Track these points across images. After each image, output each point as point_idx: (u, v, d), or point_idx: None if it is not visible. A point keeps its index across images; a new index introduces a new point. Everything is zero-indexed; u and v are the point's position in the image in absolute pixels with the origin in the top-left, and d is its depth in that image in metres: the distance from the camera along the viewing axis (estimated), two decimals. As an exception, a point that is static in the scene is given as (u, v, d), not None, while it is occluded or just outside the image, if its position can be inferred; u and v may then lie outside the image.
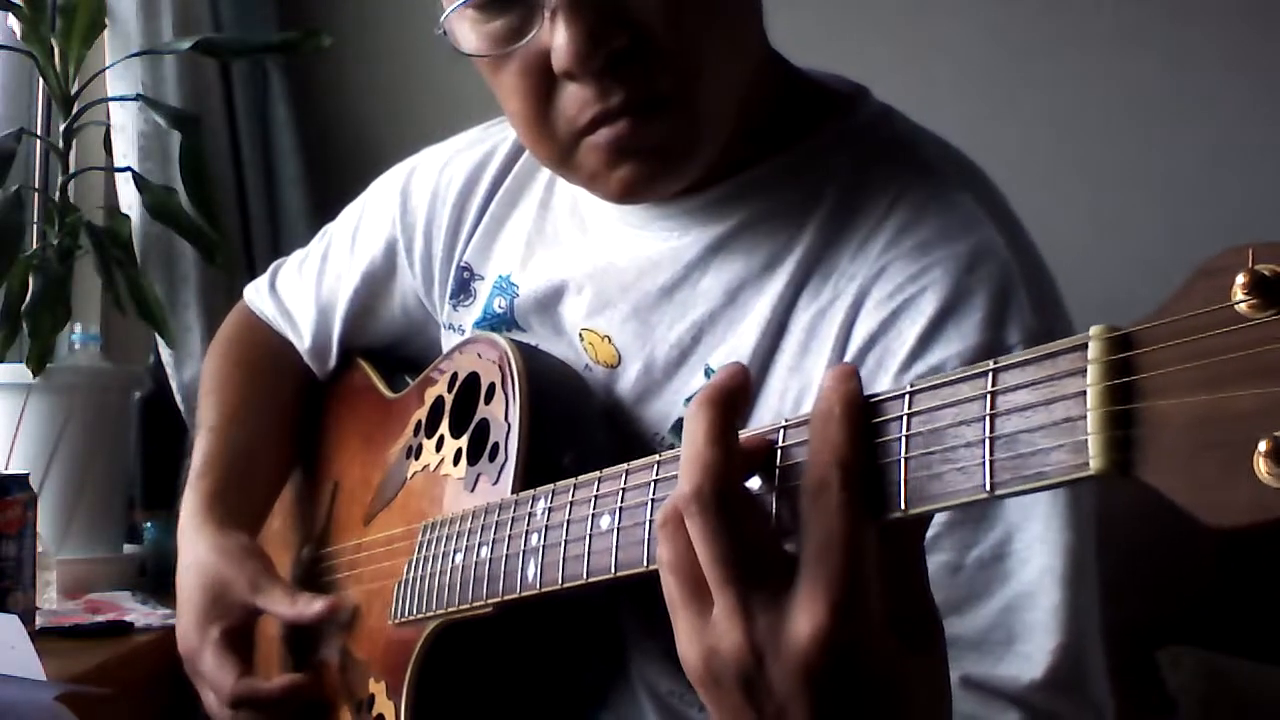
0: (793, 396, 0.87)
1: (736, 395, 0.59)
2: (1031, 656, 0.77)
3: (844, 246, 0.88)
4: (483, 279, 1.07)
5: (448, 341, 1.10)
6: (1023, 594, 0.78)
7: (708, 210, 0.93)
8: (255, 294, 1.31)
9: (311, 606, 1.01)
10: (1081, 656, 0.79)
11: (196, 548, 1.10)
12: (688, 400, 0.91)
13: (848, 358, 0.84)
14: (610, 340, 0.96)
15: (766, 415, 0.88)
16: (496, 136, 1.10)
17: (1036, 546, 0.79)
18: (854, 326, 0.85)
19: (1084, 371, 0.48)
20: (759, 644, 0.56)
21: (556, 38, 0.81)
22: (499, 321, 1.04)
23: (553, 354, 0.97)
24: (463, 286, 1.08)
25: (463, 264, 1.08)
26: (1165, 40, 2.13)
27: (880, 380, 0.82)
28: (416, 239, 1.12)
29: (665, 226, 0.95)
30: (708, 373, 0.91)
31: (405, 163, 1.17)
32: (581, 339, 0.98)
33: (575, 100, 0.83)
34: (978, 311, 0.82)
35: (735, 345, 0.90)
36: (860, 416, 0.55)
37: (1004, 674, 0.77)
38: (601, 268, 0.98)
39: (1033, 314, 0.82)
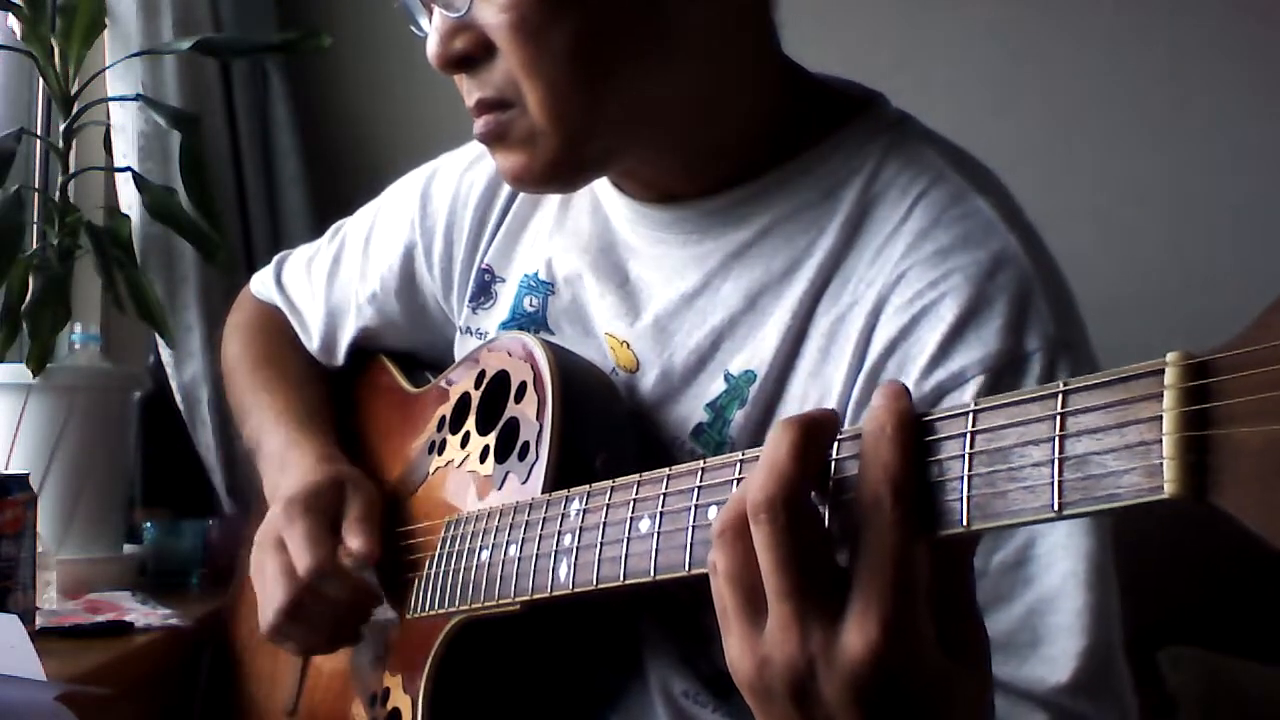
0: (813, 402, 0.87)
1: (825, 429, 0.60)
2: (1057, 659, 0.78)
3: (863, 251, 0.88)
4: (504, 281, 1.07)
5: (462, 346, 1.10)
6: (1046, 598, 0.79)
7: (726, 214, 0.93)
8: (262, 286, 1.31)
9: (362, 552, 0.96)
10: (1106, 660, 0.79)
11: (302, 464, 1.06)
12: (708, 405, 0.91)
13: (867, 363, 0.85)
14: (629, 346, 0.97)
15: None
16: None
17: (1059, 552, 0.79)
18: (873, 332, 0.85)
19: (1160, 396, 0.48)
20: (813, 656, 0.57)
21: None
22: (528, 320, 1.03)
23: (583, 356, 0.98)
24: (483, 289, 1.08)
25: (484, 266, 1.08)
26: (1165, 39, 2.13)
27: None
28: (436, 242, 1.12)
29: (684, 229, 0.95)
30: (727, 378, 0.91)
31: (425, 167, 1.18)
32: (605, 342, 0.98)
33: (463, 90, 0.91)
34: (998, 319, 0.82)
35: (755, 351, 0.90)
36: (912, 435, 0.56)
37: (1029, 676, 0.78)
38: (624, 272, 0.99)
39: (1052, 322, 0.83)
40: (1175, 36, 2.13)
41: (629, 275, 0.98)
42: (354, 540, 0.97)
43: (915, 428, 0.56)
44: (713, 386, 0.92)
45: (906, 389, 0.58)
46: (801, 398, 0.88)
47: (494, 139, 0.90)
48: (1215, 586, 1.88)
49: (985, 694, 0.61)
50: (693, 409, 0.92)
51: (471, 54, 0.88)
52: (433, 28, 0.89)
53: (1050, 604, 0.79)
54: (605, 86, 0.87)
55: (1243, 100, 2.10)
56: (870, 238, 0.88)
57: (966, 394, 0.81)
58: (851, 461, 0.59)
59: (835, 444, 0.61)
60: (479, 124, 0.90)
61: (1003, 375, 0.81)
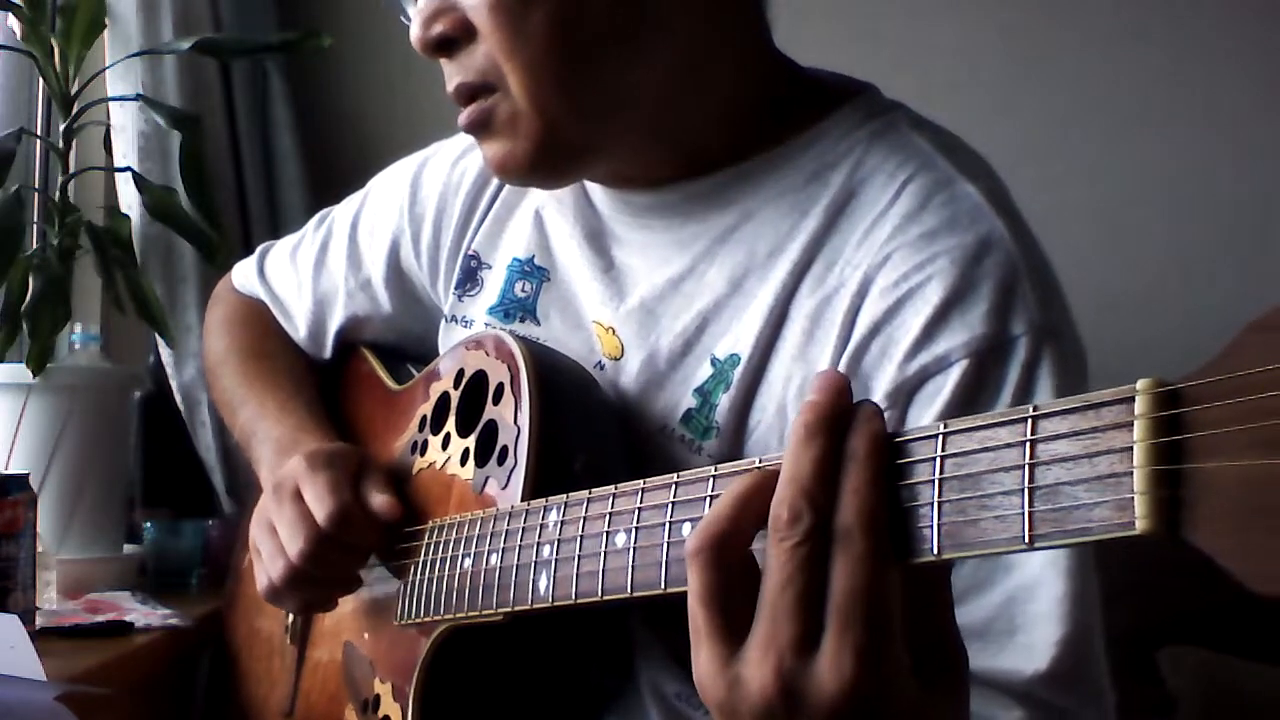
0: (796, 384, 0.87)
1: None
2: (1034, 648, 0.78)
3: (849, 234, 0.88)
4: (490, 268, 1.07)
5: (446, 334, 1.10)
6: (1025, 585, 0.79)
7: (710, 197, 0.93)
8: (244, 279, 1.31)
9: (385, 508, 0.96)
10: (1084, 649, 0.79)
11: (316, 440, 1.06)
12: (696, 390, 0.91)
13: (851, 345, 0.85)
14: (614, 332, 0.96)
15: (770, 403, 0.88)
16: None
17: None
18: (858, 314, 0.85)
19: (1130, 425, 0.47)
20: (786, 685, 0.55)
21: None
22: (517, 306, 1.03)
23: (565, 351, 0.97)
24: (469, 276, 1.08)
25: (470, 253, 1.08)
26: (1167, 39, 2.13)
27: (884, 369, 0.83)
28: (425, 229, 1.12)
29: (668, 213, 0.95)
30: (713, 362, 0.91)
31: (416, 155, 1.18)
32: (593, 330, 0.98)
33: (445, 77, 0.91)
34: (983, 303, 0.82)
35: (740, 334, 0.90)
36: (883, 460, 0.55)
37: (1006, 666, 0.77)
38: (609, 257, 0.99)
39: (1037, 307, 0.82)
40: (1175, 36, 2.13)
41: (614, 261, 0.99)
42: (377, 497, 0.96)
43: (888, 451, 0.55)
44: (700, 371, 0.91)
45: (879, 410, 0.57)
46: (785, 379, 0.87)
47: (478, 127, 0.91)
48: (1215, 586, 1.88)
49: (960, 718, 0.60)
50: (681, 394, 0.92)
51: (453, 36, 0.89)
52: (415, 11, 0.90)
53: (1030, 591, 0.78)
54: (584, 67, 0.88)
55: (1243, 100, 2.10)
56: (857, 221, 0.88)
57: (950, 378, 0.81)
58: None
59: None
60: (463, 115, 0.91)
61: (987, 359, 0.81)
